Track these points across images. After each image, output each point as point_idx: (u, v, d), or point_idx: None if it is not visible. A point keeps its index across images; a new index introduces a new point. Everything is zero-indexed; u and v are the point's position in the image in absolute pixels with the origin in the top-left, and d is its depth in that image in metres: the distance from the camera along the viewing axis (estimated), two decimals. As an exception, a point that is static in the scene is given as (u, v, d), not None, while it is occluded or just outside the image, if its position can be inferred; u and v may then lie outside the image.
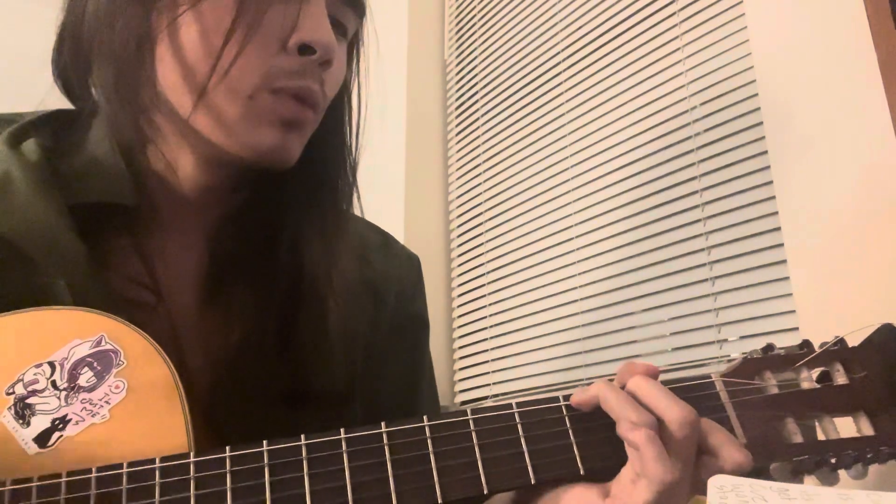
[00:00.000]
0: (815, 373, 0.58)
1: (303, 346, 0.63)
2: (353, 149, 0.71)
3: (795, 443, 0.54)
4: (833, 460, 0.53)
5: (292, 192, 0.67)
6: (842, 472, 0.55)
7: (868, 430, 0.55)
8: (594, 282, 1.38)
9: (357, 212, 0.73)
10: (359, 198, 0.72)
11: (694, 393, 0.55)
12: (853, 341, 0.58)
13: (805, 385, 0.56)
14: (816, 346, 0.58)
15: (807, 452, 0.53)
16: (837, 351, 0.57)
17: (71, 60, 0.63)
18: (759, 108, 1.14)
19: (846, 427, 0.55)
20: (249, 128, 0.58)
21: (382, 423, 0.51)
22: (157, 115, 0.61)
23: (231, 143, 0.59)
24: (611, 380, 0.54)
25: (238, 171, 0.65)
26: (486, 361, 1.61)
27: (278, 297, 0.64)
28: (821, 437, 0.55)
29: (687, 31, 1.30)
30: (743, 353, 1.11)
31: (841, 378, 0.57)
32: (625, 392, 0.52)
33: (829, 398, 0.56)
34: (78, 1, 0.62)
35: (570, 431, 0.53)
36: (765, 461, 0.53)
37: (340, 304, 0.64)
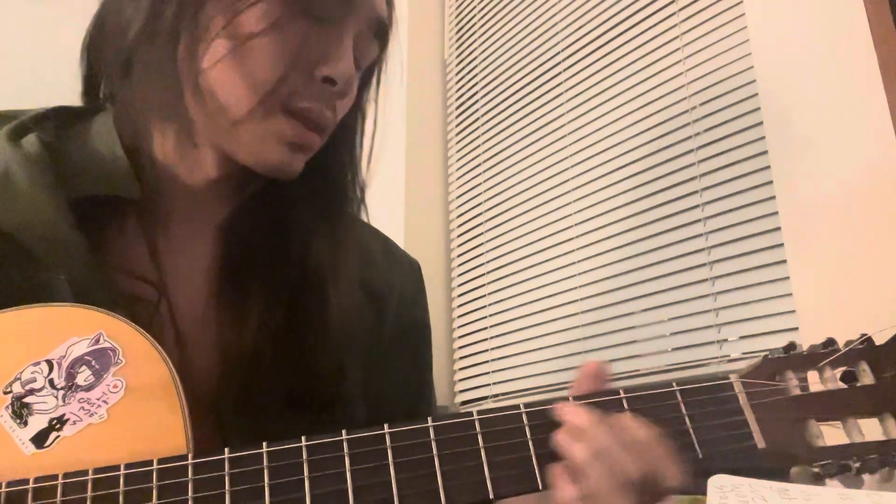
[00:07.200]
0: (839, 372, 0.55)
1: (307, 342, 0.62)
2: (365, 168, 0.73)
3: (818, 446, 0.52)
4: (857, 465, 0.51)
5: (302, 195, 0.68)
6: (866, 477, 0.52)
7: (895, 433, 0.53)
8: (594, 282, 1.38)
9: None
10: (366, 213, 0.74)
11: (711, 395, 0.53)
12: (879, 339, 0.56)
13: (829, 385, 0.54)
14: (841, 344, 0.55)
15: (830, 456, 0.51)
16: (863, 350, 0.55)
17: (100, 51, 0.65)
18: (759, 108, 1.14)
19: (872, 429, 0.53)
20: (259, 143, 0.60)
21: (385, 425, 0.50)
22: (193, 108, 0.62)
23: (241, 154, 0.61)
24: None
25: (244, 171, 0.65)
26: (486, 361, 1.60)
27: (287, 293, 0.64)
28: (845, 440, 0.52)
29: (687, 31, 1.29)
30: (743, 353, 1.12)
31: (867, 378, 0.54)
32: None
33: (854, 399, 0.53)
34: None
35: None
36: (786, 465, 0.52)
37: (342, 300, 0.64)
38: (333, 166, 0.70)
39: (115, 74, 0.64)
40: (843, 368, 0.55)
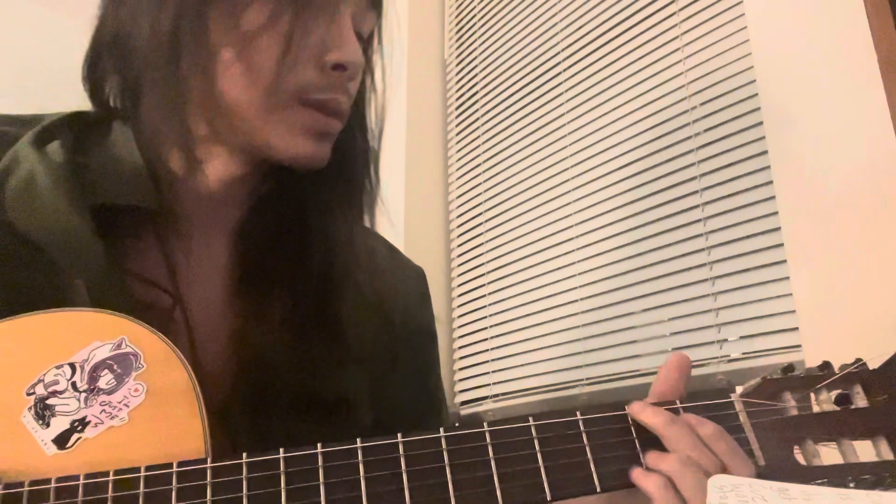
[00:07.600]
0: (835, 395, 0.57)
1: (318, 349, 0.63)
2: (377, 143, 0.73)
3: (814, 466, 0.53)
4: (851, 484, 0.53)
5: (320, 186, 0.69)
6: None
7: (888, 455, 0.54)
8: (594, 282, 1.38)
9: (380, 205, 0.74)
10: (383, 202, 0.74)
11: (713, 413, 0.55)
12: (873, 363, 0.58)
13: (825, 407, 0.56)
14: (836, 367, 0.57)
15: (826, 476, 0.53)
16: (857, 373, 0.57)
17: (103, 62, 0.65)
18: (759, 108, 1.14)
19: (866, 451, 0.55)
20: (287, 137, 0.61)
21: (399, 434, 0.51)
22: (197, 115, 0.62)
23: (272, 150, 0.62)
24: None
25: (267, 165, 0.66)
26: (486, 361, 1.61)
27: (299, 300, 0.64)
28: (840, 460, 0.54)
29: (687, 31, 1.30)
30: (743, 353, 1.13)
31: (861, 401, 0.56)
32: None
33: (848, 421, 0.55)
34: (120, 6, 0.63)
35: (588, 448, 0.52)
36: (783, 483, 0.53)
37: (353, 306, 0.65)
38: (352, 150, 0.70)
39: (124, 97, 0.65)
40: (838, 391, 0.57)
